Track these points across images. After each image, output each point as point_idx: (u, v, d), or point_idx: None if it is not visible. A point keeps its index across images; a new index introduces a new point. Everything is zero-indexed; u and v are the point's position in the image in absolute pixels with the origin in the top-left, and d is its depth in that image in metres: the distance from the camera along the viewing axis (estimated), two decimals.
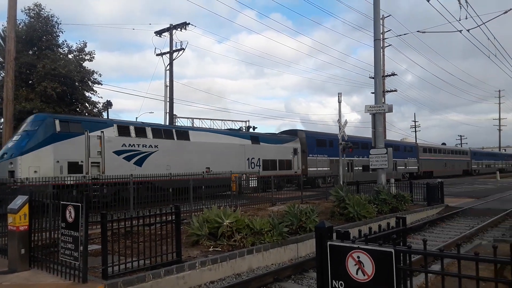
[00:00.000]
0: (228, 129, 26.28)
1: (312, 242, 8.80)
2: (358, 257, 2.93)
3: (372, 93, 20.63)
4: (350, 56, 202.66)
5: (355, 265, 2.94)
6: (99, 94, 28.47)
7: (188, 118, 33.52)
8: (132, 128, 17.87)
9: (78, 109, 25.31)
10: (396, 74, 44.59)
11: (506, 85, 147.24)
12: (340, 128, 24.05)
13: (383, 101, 42.77)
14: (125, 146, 17.13)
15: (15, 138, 14.99)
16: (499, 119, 76.24)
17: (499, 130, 76.52)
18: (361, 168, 33.67)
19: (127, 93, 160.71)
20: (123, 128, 17.48)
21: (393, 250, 2.79)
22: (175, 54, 30.22)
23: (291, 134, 29.19)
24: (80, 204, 5.86)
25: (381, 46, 41.68)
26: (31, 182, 11.93)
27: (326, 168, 29.45)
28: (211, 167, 20.14)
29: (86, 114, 25.82)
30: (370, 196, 14.79)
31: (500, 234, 11.92)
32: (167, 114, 30.99)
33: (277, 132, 31.09)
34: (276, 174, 22.90)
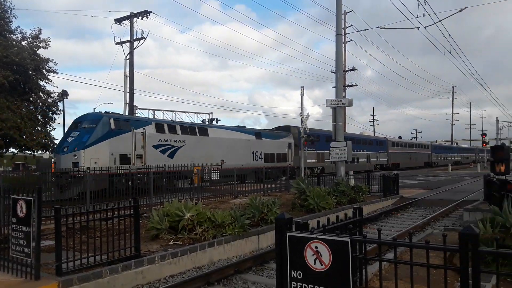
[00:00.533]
0: (236, 126, 28.30)
1: (273, 233, 8.83)
2: (316, 247, 2.98)
3: (334, 87, 21.04)
4: (313, 50, 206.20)
5: (313, 255, 2.99)
6: (55, 83, 27.20)
7: (149, 109, 32.81)
8: (165, 125, 20.48)
9: (31, 99, 24.04)
10: (357, 69, 45.67)
11: (459, 81, 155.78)
12: (302, 121, 24.40)
13: (344, 95, 43.85)
14: (161, 141, 19.79)
15: (74, 134, 17.21)
16: (452, 114, 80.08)
17: (452, 124, 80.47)
18: None
19: (84, 82, 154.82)
20: (159, 126, 20.04)
21: (349, 240, 2.86)
22: (135, 43, 29.48)
23: (285, 130, 32.35)
24: (31, 198, 5.59)
25: (343, 41, 42.57)
26: (95, 171, 13.37)
27: (314, 160, 33.28)
28: (224, 159, 22.92)
29: (40, 104, 24.59)
30: (329, 188, 15.13)
31: (450, 223, 12.57)
32: (127, 105, 30.28)
33: (272, 128, 33.84)
34: (274, 166, 27.43)
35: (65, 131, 21.56)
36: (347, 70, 44.45)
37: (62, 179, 13.97)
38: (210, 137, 22.84)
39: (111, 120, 17.58)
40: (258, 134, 28.04)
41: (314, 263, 2.97)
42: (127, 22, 29.14)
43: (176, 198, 9.43)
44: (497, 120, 57.45)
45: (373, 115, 71.19)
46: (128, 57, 29.53)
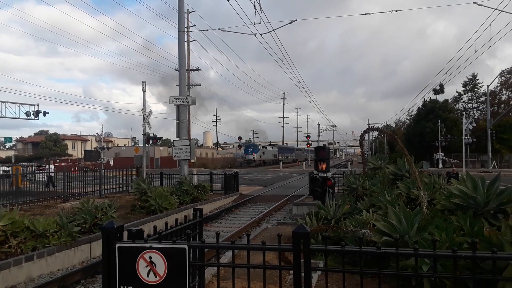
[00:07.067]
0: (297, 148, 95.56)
1: None
2: (150, 257, 2.68)
3: (178, 85, 20.79)
4: (156, 45, 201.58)
5: (147, 266, 2.68)
6: None
7: None
8: (267, 146, 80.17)
9: None
10: (200, 69, 46.54)
11: (289, 88, 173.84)
12: (144, 118, 23.41)
13: (188, 94, 44.07)
14: (269, 152, 76.17)
15: (249, 148, 66.76)
16: (283, 117, 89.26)
17: (283, 127, 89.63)
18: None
19: None
20: (264, 146, 77.11)
21: (186, 246, 2.66)
22: None
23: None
24: None
25: (187, 40, 42.63)
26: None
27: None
28: (296, 157, 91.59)
29: None
30: (173, 187, 14.85)
31: (282, 217, 13.74)
32: None
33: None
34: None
35: (243, 148, 65.18)
36: (191, 70, 44.79)
37: None
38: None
39: (260, 146, 71.11)
40: (299, 149, 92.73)
41: (148, 276, 2.66)
42: None
43: None
44: (318, 124, 66.74)
45: (216, 115, 73.97)
46: None
